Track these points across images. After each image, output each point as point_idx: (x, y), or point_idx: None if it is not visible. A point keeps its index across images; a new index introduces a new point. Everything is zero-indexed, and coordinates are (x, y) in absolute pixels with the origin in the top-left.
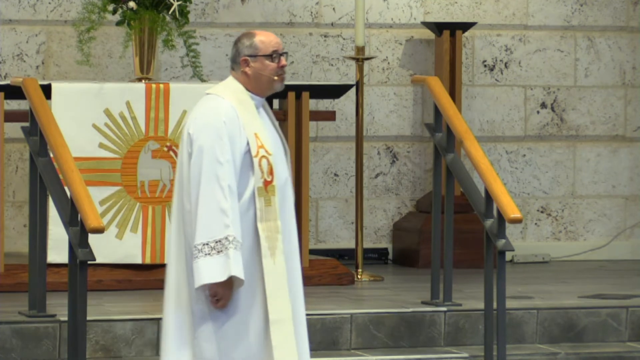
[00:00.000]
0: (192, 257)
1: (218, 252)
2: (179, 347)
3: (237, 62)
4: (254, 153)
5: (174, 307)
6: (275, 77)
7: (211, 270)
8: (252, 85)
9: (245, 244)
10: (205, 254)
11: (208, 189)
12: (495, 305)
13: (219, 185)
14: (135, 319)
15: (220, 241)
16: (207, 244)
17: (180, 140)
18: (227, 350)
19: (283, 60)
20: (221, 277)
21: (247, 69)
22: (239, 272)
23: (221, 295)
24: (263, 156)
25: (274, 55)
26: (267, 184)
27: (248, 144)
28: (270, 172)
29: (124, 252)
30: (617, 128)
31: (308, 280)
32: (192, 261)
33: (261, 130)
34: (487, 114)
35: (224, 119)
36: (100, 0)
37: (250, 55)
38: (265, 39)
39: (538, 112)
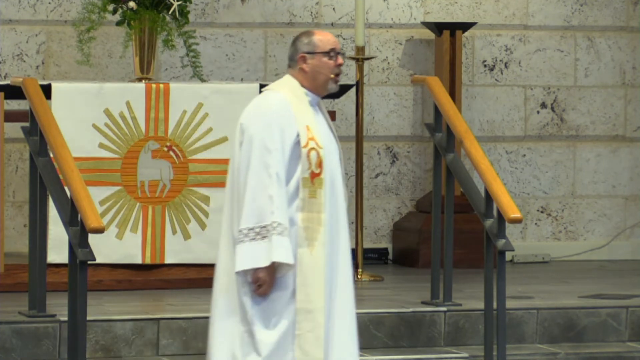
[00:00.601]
0: (236, 241)
1: (263, 237)
2: (227, 331)
3: (295, 59)
4: (303, 144)
5: (224, 293)
6: (332, 75)
7: (254, 256)
8: (309, 82)
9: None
10: (251, 239)
11: (256, 176)
12: (495, 305)
13: (267, 172)
14: (135, 319)
15: (265, 227)
16: (252, 229)
17: (234, 131)
18: (264, 333)
19: (340, 59)
20: (263, 263)
21: (304, 66)
22: (282, 257)
23: (263, 281)
24: (313, 148)
25: (332, 53)
26: (314, 175)
27: (298, 135)
28: (319, 165)
29: (124, 252)
30: (617, 128)
31: None
32: (236, 245)
33: (313, 124)
34: (487, 114)
35: (274, 109)
36: (100, 0)
37: (308, 52)
38: (323, 37)
39: (538, 112)
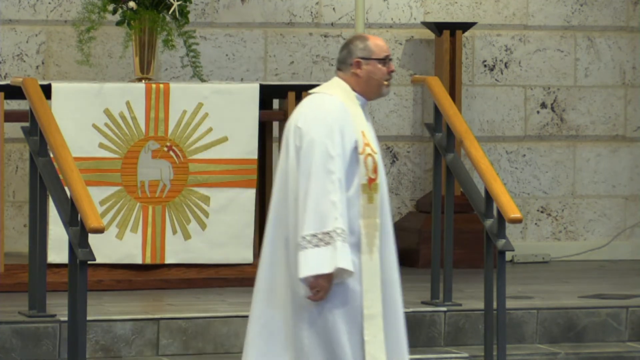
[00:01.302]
0: (298, 247)
1: (326, 244)
2: (265, 340)
3: (348, 63)
4: (360, 150)
5: (266, 301)
6: (385, 82)
7: (317, 262)
8: (361, 87)
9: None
10: (314, 245)
11: (319, 181)
12: (495, 305)
13: (330, 178)
14: (135, 319)
15: (328, 233)
16: (315, 235)
17: (285, 133)
18: (329, 343)
19: (392, 66)
20: (328, 269)
21: (358, 71)
22: (346, 264)
23: (321, 287)
24: (369, 154)
25: (386, 60)
26: (371, 181)
27: (356, 141)
28: (375, 170)
29: (124, 252)
30: (617, 128)
31: None
32: (298, 251)
33: (367, 130)
34: (487, 114)
35: (335, 114)
36: (100, 0)
37: (363, 58)
38: (379, 43)
39: (538, 112)
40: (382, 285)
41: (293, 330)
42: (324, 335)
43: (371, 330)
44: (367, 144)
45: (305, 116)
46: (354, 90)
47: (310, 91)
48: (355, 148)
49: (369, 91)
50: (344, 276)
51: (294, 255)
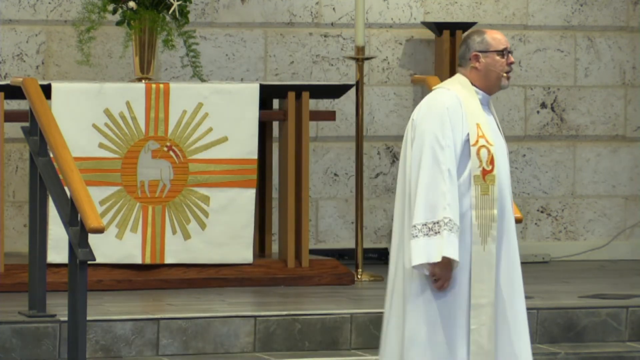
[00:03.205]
0: (410, 236)
1: (436, 233)
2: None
3: (467, 57)
4: (472, 142)
5: (390, 291)
6: (504, 74)
7: (427, 251)
8: (481, 80)
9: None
10: (424, 234)
11: (429, 171)
12: None
13: (440, 168)
14: (135, 319)
15: (438, 222)
16: (426, 225)
17: (406, 127)
18: (432, 331)
19: (511, 58)
20: (435, 258)
21: (477, 64)
22: (452, 253)
23: (439, 276)
24: (483, 145)
25: (505, 52)
26: (485, 172)
27: (468, 133)
28: (491, 162)
29: (124, 252)
30: (617, 128)
31: (308, 280)
32: (410, 240)
33: (483, 122)
34: None
35: (446, 106)
36: (100, 0)
37: (481, 51)
38: (496, 36)
39: (538, 112)
40: (500, 277)
41: (402, 319)
42: (423, 323)
43: (479, 319)
44: (481, 136)
45: (420, 110)
46: (473, 84)
47: (434, 87)
48: (467, 140)
49: (489, 84)
50: (454, 265)
51: (407, 244)
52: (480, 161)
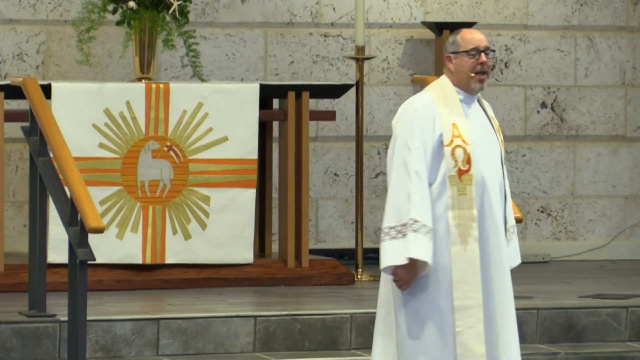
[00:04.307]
0: (381, 240)
1: (403, 235)
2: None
3: (445, 59)
4: (446, 142)
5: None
6: (472, 74)
7: (392, 253)
8: (456, 81)
9: (437, 229)
10: (391, 238)
11: (396, 174)
12: None
13: (406, 170)
14: (135, 319)
15: (405, 224)
16: (394, 228)
17: None
18: (422, 332)
19: (483, 57)
20: (400, 261)
21: (450, 65)
22: (417, 254)
23: (399, 277)
24: (458, 145)
25: (473, 52)
26: (462, 172)
27: (441, 134)
28: (467, 161)
29: (124, 252)
30: (617, 128)
31: (308, 280)
32: (380, 244)
33: (461, 122)
34: None
35: (416, 108)
36: (100, 0)
37: (452, 52)
38: (467, 36)
39: (538, 112)
40: (486, 277)
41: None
42: (408, 326)
43: (465, 322)
44: (457, 136)
45: (397, 114)
46: (454, 85)
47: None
48: (442, 141)
49: (464, 85)
50: (428, 268)
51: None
52: (456, 161)
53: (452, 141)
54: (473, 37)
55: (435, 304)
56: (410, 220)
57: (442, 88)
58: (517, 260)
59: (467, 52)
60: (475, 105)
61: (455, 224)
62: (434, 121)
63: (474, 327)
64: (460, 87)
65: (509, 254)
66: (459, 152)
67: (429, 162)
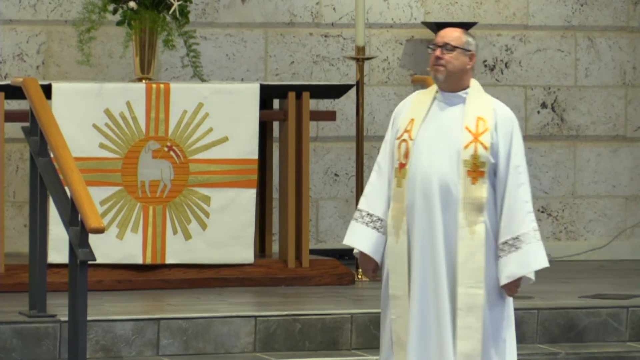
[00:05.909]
0: None
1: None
2: None
3: None
4: (397, 136)
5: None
6: (428, 68)
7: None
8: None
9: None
10: (354, 219)
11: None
12: None
13: (376, 162)
14: (135, 319)
15: (355, 213)
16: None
17: None
18: (383, 323)
19: (437, 52)
20: (347, 243)
21: None
22: (347, 240)
23: (359, 264)
24: (404, 140)
25: (432, 47)
26: (401, 166)
27: (398, 128)
28: (406, 155)
29: (125, 252)
30: (618, 128)
31: (308, 280)
32: None
33: (420, 118)
34: None
35: (399, 106)
36: (100, 0)
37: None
38: (439, 32)
39: (538, 112)
40: (420, 269)
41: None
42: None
43: (397, 310)
44: (407, 131)
45: None
46: None
47: None
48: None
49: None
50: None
51: None
52: (400, 155)
53: (401, 135)
54: (439, 34)
55: (384, 291)
56: (358, 209)
57: (432, 87)
58: (523, 271)
59: (431, 48)
60: (457, 105)
61: (391, 215)
62: (401, 116)
63: (402, 317)
64: (438, 84)
65: (516, 263)
66: (403, 146)
67: (390, 155)
